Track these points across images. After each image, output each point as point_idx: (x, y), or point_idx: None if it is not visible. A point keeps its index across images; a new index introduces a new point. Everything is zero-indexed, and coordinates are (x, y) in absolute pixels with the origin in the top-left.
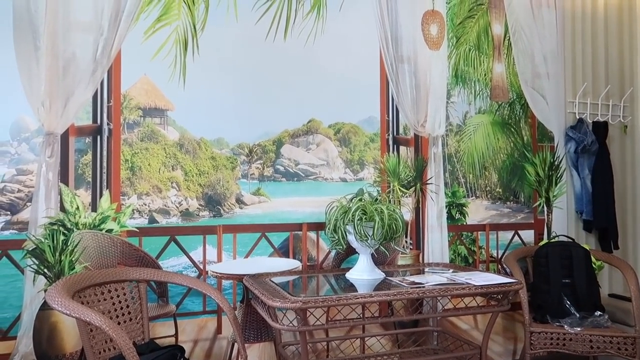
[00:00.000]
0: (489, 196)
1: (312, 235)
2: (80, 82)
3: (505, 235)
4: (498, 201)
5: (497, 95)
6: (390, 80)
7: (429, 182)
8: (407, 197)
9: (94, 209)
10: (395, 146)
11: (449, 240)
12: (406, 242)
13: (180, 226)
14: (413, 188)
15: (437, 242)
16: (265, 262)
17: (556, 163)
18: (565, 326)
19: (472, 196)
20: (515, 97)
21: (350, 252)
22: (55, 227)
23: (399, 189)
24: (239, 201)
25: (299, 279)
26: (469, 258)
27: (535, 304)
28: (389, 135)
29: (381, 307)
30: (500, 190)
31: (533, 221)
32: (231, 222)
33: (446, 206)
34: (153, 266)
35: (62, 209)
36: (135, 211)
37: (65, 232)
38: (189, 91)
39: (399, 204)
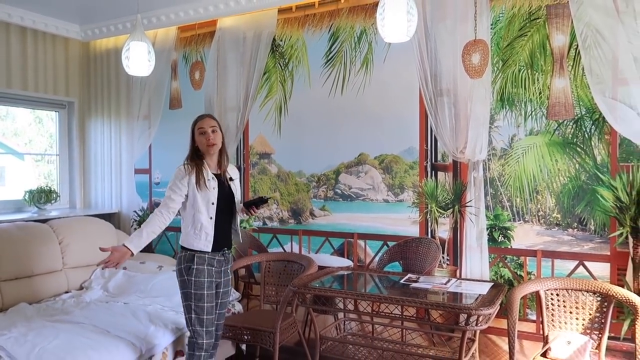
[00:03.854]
0: (541, 221)
1: (360, 242)
2: (231, 141)
3: (565, 265)
4: (555, 227)
5: (557, 112)
6: (430, 113)
7: (468, 204)
8: (445, 217)
9: None
10: (433, 172)
11: (489, 262)
12: (443, 257)
13: (278, 228)
14: (451, 210)
15: (476, 261)
16: (327, 259)
17: None
18: None
19: (519, 220)
20: (584, 113)
21: (393, 259)
22: None
23: (437, 210)
24: (312, 214)
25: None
26: (514, 282)
27: None
28: (427, 162)
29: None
30: (558, 215)
31: (609, 253)
32: (307, 228)
33: (487, 228)
34: (265, 251)
35: None
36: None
37: None
38: (283, 140)
39: (437, 223)
